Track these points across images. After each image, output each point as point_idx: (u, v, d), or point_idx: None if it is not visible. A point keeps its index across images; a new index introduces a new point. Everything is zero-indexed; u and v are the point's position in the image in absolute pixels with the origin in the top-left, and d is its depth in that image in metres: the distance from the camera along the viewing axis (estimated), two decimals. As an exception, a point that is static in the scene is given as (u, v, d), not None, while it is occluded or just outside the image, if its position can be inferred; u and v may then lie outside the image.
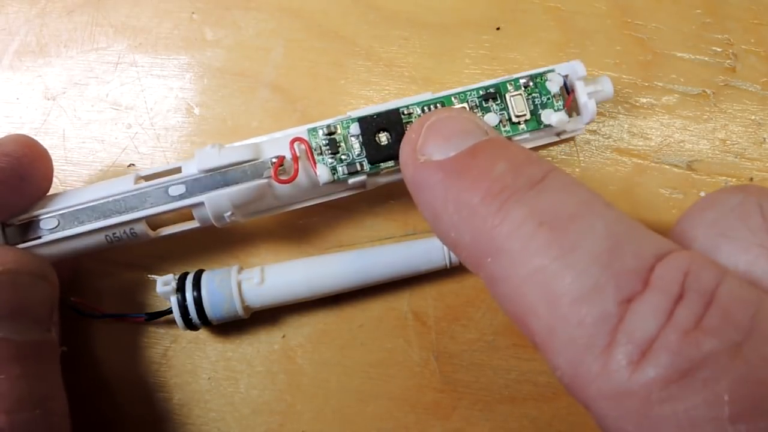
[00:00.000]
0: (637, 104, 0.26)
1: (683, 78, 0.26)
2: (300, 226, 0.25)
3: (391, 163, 0.21)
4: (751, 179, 0.25)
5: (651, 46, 0.26)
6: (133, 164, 0.25)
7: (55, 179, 0.22)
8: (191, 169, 0.21)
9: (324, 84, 0.26)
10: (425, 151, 0.17)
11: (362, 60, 0.26)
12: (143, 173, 0.22)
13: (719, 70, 0.26)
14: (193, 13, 0.27)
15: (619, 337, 0.12)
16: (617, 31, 0.26)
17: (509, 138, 0.22)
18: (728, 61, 0.26)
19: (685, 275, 0.13)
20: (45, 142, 0.25)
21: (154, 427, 0.23)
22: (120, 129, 0.26)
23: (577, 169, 0.25)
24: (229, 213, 0.21)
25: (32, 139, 0.21)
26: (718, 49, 0.26)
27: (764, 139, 0.26)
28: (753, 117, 0.26)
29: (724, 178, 0.25)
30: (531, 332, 0.14)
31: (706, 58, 0.26)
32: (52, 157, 0.22)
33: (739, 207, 0.15)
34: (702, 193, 0.25)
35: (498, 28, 0.26)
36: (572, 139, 0.25)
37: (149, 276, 0.24)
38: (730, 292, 0.13)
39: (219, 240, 0.24)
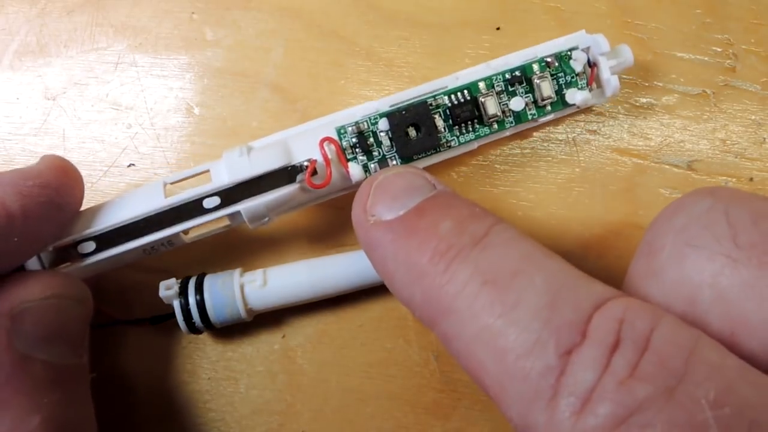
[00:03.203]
0: (637, 104, 0.26)
1: (683, 78, 0.26)
2: (301, 227, 0.25)
3: (422, 155, 0.22)
4: (751, 179, 0.25)
5: (651, 46, 0.26)
6: (133, 164, 0.25)
7: (60, 155, 0.22)
8: (222, 176, 0.21)
9: (324, 84, 0.26)
10: (374, 211, 0.18)
11: (362, 60, 0.26)
12: (170, 179, 0.22)
13: (719, 70, 0.26)
14: (193, 13, 0.27)
15: (561, 389, 0.13)
16: (617, 31, 0.26)
17: (536, 119, 0.23)
18: (728, 61, 0.26)
19: (621, 323, 0.13)
20: (45, 142, 0.25)
21: (154, 427, 0.23)
22: (120, 129, 0.26)
23: (577, 169, 0.25)
24: (266, 219, 0.21)
25: (67, 163, 0.21)
26: (718, 49, 0.26)
27: (764, 139, 0.26)
28: (753, 117, 0.26)
29: (724, 178, 0.25)
30: (484, 387, 0.15)
31: (706, 58, 0.26)
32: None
33: (706, 214, 0.15)
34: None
35: (498, 28, 0.26)
36: (591, 109, 0.25)
37: (151, 279, 0.24)
38: (664, 337, 0.13)
39: (220, 243, 0.24)
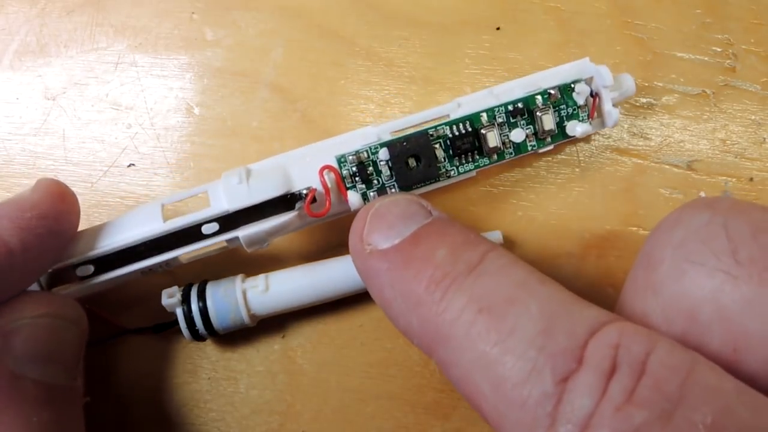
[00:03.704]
0: (637, 104, 0.26)
1: (683, 78, 0.26)
2: (302, 231, 0.25)
3: (421, 185, 0.22)
4: (751, 179, 0.25)
5: (651, 46, 0.26)
6: (133, 164, 0.25)
7: (56, 179, 0.22)
8: (221, 201, 0.21)
9: (324, 84, 0.26)
10: (371, 240, 0.18)
11: (362, 60, 0.26)
12: (168, 200, 0.21)
13: (719, 70, 0.26)
14: (193, 13, 0.27)
15: (559, 417, 0.13)
16: (617, 31, 0.26)
17: (535, 151, 0.23)
18: (728, 61, 0.26)
19: (616, 348, 0.13)
20: (45, 142, 0.25)
21: (154, 427, 0.23)
22: (120, 129, 0.26)
23: (577, 169, 0.25)
24: (265, 244, 0.21)
25: (63, 187, 0.20)
26: (718, 49, 0.26)
27: (764, 139, 0.26)
28: (753, 117, 0.26)
29: (724, 178, 0.25)
30: (483, 413, 0.15)
31: (706, 58, 0.26)
32: (52, 157, 0.22)
33: (705, 228, 0.15)
34: (702, 194, 0.25)
35: (498, 28, 0.26)
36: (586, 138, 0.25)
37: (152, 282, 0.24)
38: (660, 360, 0.13)
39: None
